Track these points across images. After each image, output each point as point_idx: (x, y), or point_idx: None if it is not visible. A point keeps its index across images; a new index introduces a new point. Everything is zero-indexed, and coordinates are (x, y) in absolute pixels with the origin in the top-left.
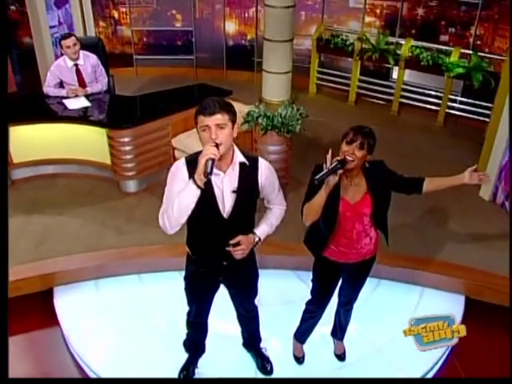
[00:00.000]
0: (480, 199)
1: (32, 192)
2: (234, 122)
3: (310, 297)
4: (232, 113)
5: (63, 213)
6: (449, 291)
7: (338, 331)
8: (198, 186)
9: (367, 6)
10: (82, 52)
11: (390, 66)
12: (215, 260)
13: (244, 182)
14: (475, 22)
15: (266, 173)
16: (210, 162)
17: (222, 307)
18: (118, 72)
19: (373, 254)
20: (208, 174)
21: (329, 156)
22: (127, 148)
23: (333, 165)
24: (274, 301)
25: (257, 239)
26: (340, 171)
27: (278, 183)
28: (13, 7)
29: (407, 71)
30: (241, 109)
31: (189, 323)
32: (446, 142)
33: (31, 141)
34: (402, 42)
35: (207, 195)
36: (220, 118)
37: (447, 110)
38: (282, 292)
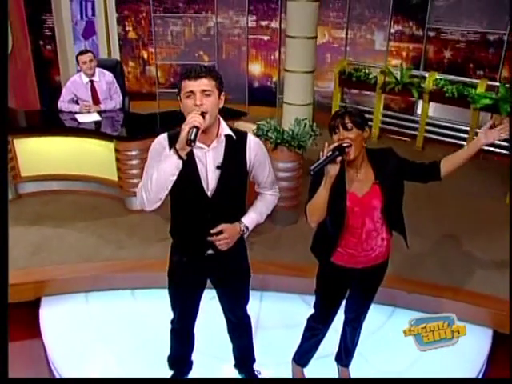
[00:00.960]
0: (505, 221)
1: (37, 206)
2: (220, 90)
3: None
4: (219, 80)
5: (63, 225)
6: (473, 323)
7: (344, 355)
8: (180, 157)
9: (393, 49)
10: (98, 69)
11: (413, 99)
12: (199, 246)
13: (230, 157)
14: (502, 58)
15: (255, 149)
16: (193, 130)
17: (213, 323)
18: (140, 105)
19: (384, 258)
20: (191, 142)
21: (326, 145)
22: (134, 162)
23: (330, 152)
24: (274, 324)
25: (243, 228)
26: (339, 158)
27: (269, 163)
28: (49, 47)
29: (432, 107)
30: (252, 127)
31: (173, 332)
32: (473, 176)
33: (40, 154)
34: (426, 74)
35: (190, 171)
36: (206, 83)
37: None
38: (285, 316)
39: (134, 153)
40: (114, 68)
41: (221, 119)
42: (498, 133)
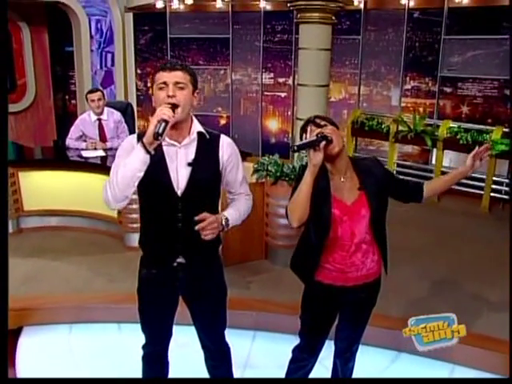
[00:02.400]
0: None
1: (36, 240)
2: (195, 86)
3: (298, 341)
4: (194, 76)
5: (58, 259)
6: (488, 371)
7: None
8: (147, 151)
9: (409, 105)
10: (107, 108)
11: (427, 147)
12: (169, 253)
13: (202, 155)
14: None
15: (228, 150)
16: (162, 124)
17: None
18: None
19: (376, 275)
20: (158, 136)
21: (309, 129)
22: (134, 197)
23: (314, 137)
24: (265, 364)
25: (224, 220)
26: (323, 143)
27: (242, 168)
28: (73, 101)
29: (448, 156)
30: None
31: (144, 358)
32: (491, 226)
33: (44, 188)
34: (440, 123)
35: (159, 168)
36: (181, 75)
37: (492, 194)
38: (278, 356)
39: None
40: (125, 110)
41: (193, 117)
42: (483, 158)
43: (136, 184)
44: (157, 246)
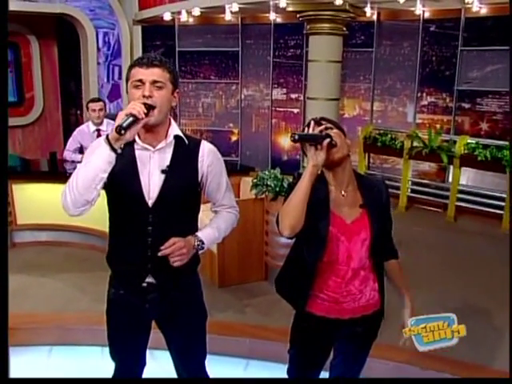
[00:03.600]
0: None
1: (28, 255)
2: (175, 85)
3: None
4: (174, 74)
5: (46, 275)
6: None
7: None
8: (112, 148)
9: (426, 121)
10: (106, 120)
11: (443, 165)
12: (138, 271)
13: (178, 161)
14: None
15: (209, 157)
16: (129, 118)
17: None
18: None
19: (377, 306)
20: (121, 129)
21: (312, 123)
22: None
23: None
24: None
25: (197, 242)
26: (326, 141)
27: (225, 177)
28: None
29: (465, 174)
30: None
31: None
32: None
33: (38, 202)
34: (457, 139)
35: (129, 174)
36: (159, 73)
37: None
38: None
39: None
40: None
41: (172, 120)
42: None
43: (99, 187)
44: (124, 264)
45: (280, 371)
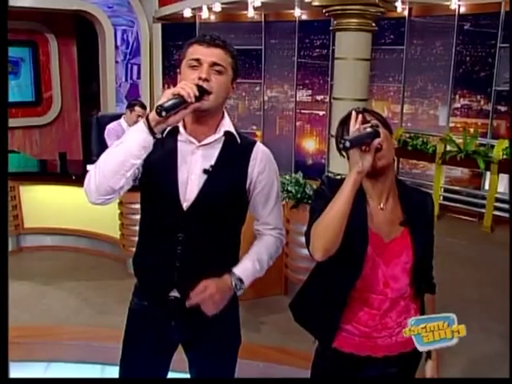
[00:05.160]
0: None
1: (34, 261)
2: (235, 74)
3: None
4: (237, 60)
5: (50, 283)
6: None
7: None
8: (151, 131)
9: (459, 125)
10: None
11: (479, 170)
12: (164, 282)
13: (225, 162)
14: None
15: (262, 163)
16: (176, 99)
17: None
18: None
19: None
20: (162, 110)
21: (354, 115)
22: (138, 217)
23: (368, 129)
24: None
25: (235, 282)
26: (377, 141)
27: (277, 190)
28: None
29: (503, 182)
30: None
31: None
32: None
33: (45, 204)
34: (494, 143)
35: (165, 168)
36: (221, 55)
37: None
38: None
39: (138, 206)
40: None
41: (225, 113)
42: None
43: (128, 174)
44: (148, 271)
45: None
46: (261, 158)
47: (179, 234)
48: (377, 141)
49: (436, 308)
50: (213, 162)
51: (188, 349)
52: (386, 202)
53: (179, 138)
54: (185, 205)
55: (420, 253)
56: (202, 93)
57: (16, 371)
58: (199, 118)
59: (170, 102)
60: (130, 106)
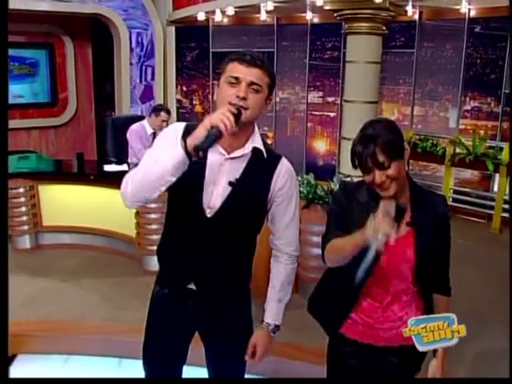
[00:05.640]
0: None
1: (50, 258)
2: (270, 92)
3: None
4: (273, 79)
5: (68, 280)
6: None
7: None
8: (187, 153)
9: (469, 127)
10: None
11: (488, 173)
12: (180, 276)
13: (250, 177)
14: None
15: (284, 178)
16: (214, 132)
17: None
18: None
19: None
20: (199, 150)
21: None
22: (153, 216)
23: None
24: None
25: (272, 328)
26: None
27: (295, 207)
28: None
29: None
30: None
31: None
32: None
33: (63, 203)
34: (503, 145)
35: (194, 176)
36: (259, 74)
37: None
38: None
39: (153, 205)
40: None
41: (256, 129)
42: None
43: (163, 189)
44: (170, 263)
45: None
46: (283, 174)
47: (200, 237)
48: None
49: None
50: (238, 176)
51: (203, 337)
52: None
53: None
54: (208, 211)
55: (423, 253)
56: (239, 115)
57: (36, 364)
58: (236, 134)
59: (207, 141)
60: (156, 111)
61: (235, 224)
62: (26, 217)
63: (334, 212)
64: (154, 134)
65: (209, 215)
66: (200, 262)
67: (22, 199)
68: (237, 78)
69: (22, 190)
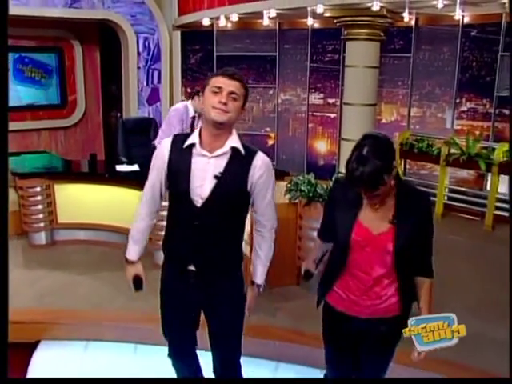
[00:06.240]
0: None
1: (66, 253)
2: (245, 102)
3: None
4: (248, 92)
5: (84, 274)
6: None
7: None
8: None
9: (465, 127)
10: None
11: (480, 171)
12: (181, 259)
13: (231, 171)
14: None
15: (261, 170)
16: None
17: None
18: None
19: (398, 311)
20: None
21: None
22: (163, 213)
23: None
24: None
25: (256, 288)
26: None
27: (272, 192)
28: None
29: (505, 183)
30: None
31: (173, 362)
32: None
33: (78, 202)
34: (496, 145)
35: (184, 175)
36: (238, 86)
37: None
38: None
39: (163, 203)
40: (149, 126)
41: (234, 131)
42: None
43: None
44: (172, 250)
45: (307, 374)
46: (260, 166)
47: (195, 223)
48: None
49: (433, 291)
50: (221, 170)
51: (205, 311)
52: (381, 203)
53: (194, 151)
54: (200, 201)
55: (401, 247)
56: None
57: (59, 349)
58: (214, 134)
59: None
60: (199, 94)
61: (222, 210)
62: (42, 214)
63: (327, 205)
64: (194, 119)
65: (200, 205)
66: (196, 245)
67: (39, 198)
68: (220, 88)
69: (38, 189)
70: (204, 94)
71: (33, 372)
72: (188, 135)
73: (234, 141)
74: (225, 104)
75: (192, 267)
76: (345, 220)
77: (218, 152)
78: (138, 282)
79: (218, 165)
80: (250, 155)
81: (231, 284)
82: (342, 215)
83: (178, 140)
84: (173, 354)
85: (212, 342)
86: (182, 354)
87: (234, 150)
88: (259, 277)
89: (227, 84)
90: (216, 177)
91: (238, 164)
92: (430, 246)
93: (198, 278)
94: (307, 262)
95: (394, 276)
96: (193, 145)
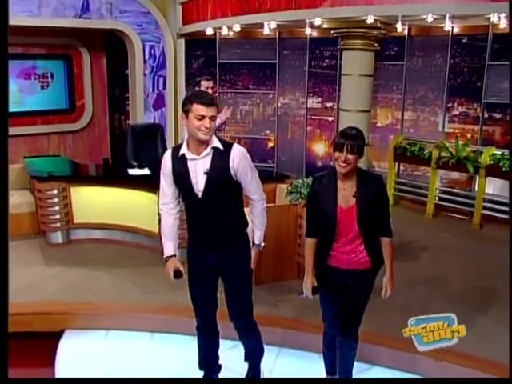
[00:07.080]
0: None
1: (82, 251)
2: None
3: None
4: (218, 108)
5: (100, 269)
6: None
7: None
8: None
9: (457, 131)
10: None
11: (470, 174)
12: (198, 236)
13: (216, 165)
14: None
15: (238, 156)
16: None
17: None
18: None
19: (368, 265)
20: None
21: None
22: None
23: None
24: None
25: (257, 248)
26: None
27: (252, 172)
28: (129, 121)
29: (492, 184)
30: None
31: (199, 336)
32: None
33: (92, 203)
34: (484, 149)
35: (184, 175)
36: (214, 110)
37: None
38: (301, 374)
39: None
40: (156, 131)
41: (214, 136)
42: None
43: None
44: (190, 229)
45: (308, 360)
46: (236, 155)
47: (201, 210)
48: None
49: (393, 247)
50: (208, 167)
51: (221, 273)
52: (347, 184)
53: (187, 156)
54: (200, 193)
55: (363, 213)
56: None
57: (82, 337)
58: (200, 144)
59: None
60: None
61: (218, 195)
62: (59, 215)
63: (308, 198)
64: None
65: (200, 196)
66: (206, 225)
67: (56, 199)
68: (203, 116)
69: (55, 191)
70: (188, 117)
71: (60, 358)
72: (181, 145)
73: (213, 142)
74: (208, 128)
75: (206, 240)
76: (329, 203)
77: (203, 154)
78: (176, 274)
79: (205, 163)
80: (228, 149)
81: (238, 245)
82: (326, 200)
83: (175, 151)
84: (200, 325)
85: (228, 294)
86: (204, 327)
87: (214, 149)
88: (257, 238)
89: (208, 111)
90: (205, 173)
91: (220, 158)
92: (387, 212)
93: (211, 248)
94: (311, 278)
95: (361, 236)
96: (184, 153)
